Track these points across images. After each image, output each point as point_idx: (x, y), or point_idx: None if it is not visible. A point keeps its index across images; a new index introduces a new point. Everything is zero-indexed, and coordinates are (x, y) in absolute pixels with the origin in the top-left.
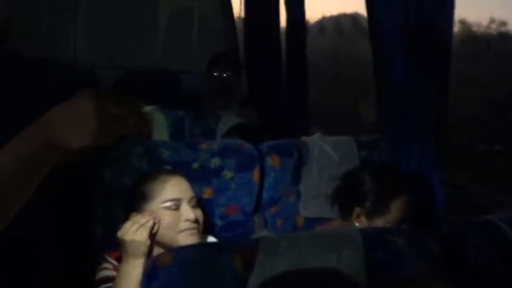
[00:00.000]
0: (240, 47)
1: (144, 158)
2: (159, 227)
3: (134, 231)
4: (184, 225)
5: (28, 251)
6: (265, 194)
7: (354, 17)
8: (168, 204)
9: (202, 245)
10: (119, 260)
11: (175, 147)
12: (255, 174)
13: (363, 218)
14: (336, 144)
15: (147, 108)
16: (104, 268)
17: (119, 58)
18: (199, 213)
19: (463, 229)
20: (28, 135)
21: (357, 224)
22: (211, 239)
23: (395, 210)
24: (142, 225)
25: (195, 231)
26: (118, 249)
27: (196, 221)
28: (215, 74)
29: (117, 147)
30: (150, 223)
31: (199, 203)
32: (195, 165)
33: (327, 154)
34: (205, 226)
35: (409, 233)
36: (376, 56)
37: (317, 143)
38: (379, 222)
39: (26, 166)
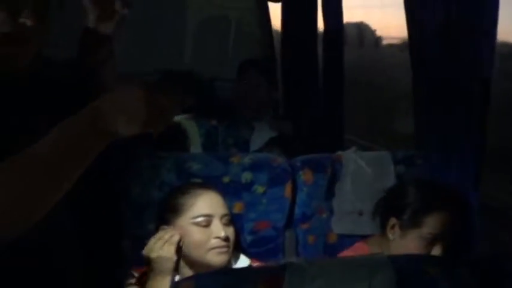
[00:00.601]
0: (278, 56)
1: (173, 171)
2: (183, 243)
3: (160, 247)
4: (214, 243)
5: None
6: (297, 210)
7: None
8: (198, 220)
9: (227, 272)
10: (144, 275)
11: (205, 161)
12: (287, 190)
13: (396, 229)
14: (371, 159)
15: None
16: (131, 284)
17: (149, 64)
18: (230, 231)
19: (501, 259)
20: (78, 119)
21: (390, 235)
22: (242, 257)
23: (428, 226)
24: (167, 241)
25: (225, 249)
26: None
27: (226, 239)
28: (244, 81)
29: (146, 159)
30: (176, 238)
31: (231, 220)
32: (226, 180)
33: (362, 169)
34: (236, 242)
35: (443, 263)
36: (414, 67)
37: (352, 158)
38: (412, 236)
39: (73, 148)
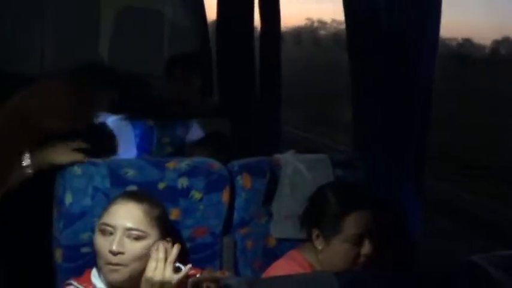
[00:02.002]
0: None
1: (107, 178)
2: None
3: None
4: (106, 255)
5: None
6: (235, 215)
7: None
8: (102, 227)
9: None
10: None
11: (140, 166)
12: (225, 195)
13: (321, 239)
14: (310, 162)
15: None
16: None
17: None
18: (135, 247)
19: (448, 275)
20: (3, 108)
21: (317, 244)
22: (177, 265)
23: (349, 227)
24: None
25: (116, 267)
26: (83, 276)
27: (117, 254)
28: (173, 77)
29: (78, 167)
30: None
31: (144, 237)
32: (161, 185)
33: (301, 173)
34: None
35: (390, 282)
36: (353, 68)
37: (290, 161)
38: (337, 242)
39: None
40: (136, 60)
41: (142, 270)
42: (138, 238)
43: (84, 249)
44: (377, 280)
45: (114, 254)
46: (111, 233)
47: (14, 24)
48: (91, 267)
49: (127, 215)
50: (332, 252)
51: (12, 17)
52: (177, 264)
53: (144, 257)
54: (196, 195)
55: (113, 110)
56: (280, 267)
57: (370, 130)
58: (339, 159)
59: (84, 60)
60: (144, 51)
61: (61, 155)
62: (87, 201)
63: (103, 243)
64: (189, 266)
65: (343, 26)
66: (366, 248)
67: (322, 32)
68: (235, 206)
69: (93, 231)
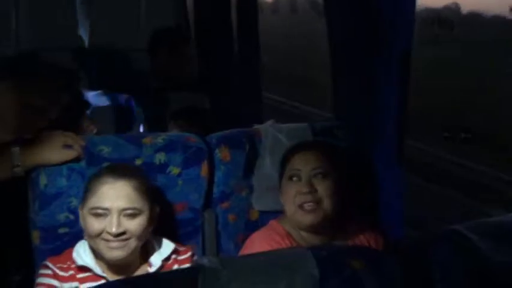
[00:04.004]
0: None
1: (83, 157)
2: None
3: None
4: (106, 236)
5: None
6: (215, 189)
7: None
8: (95, 211)
9: (138, 279)
10: (62, 268)
11: (116, 143)
12: (204, 169)
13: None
14: (290, 132)
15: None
16: (43, 275)
17: (61, 38)
18: (133, 224)
19: (427, 244)
20: None
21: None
22: (165, 241)
23: (291, 164)
24: None
25: (117, 244)
26: (62, 255)
27: (119, 235)
28: (162, 53)
29: None
30: None
31: (137, 213)
32: (138, 162)
33: (281, 143)
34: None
35: (367, 255)
36: (331, 35)
37: (270, 131)
38: (283, 183)
39: None
40: (114, 34)
41: (139, 246)
42: (133, 215)
43: (62, 230)
44: (352, 252)
45: (114, 235)
46: (105, 215)
47: None
48: (69, 248)
49: (119, 195)
50: (283, 198)
51: None
52: (165, 241)
53: (143, 232)
54: (174, 170)
55: (91, 85)
56: (259, 238)
57: (350, 98)
58: (320, 127)
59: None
60: (122, 24)
61: (55, 154)
62: (63, 182)
63: (98, 226)
64: None
65: None
66: (325, 186)
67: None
68: (215, 180)
69: (70, 211)
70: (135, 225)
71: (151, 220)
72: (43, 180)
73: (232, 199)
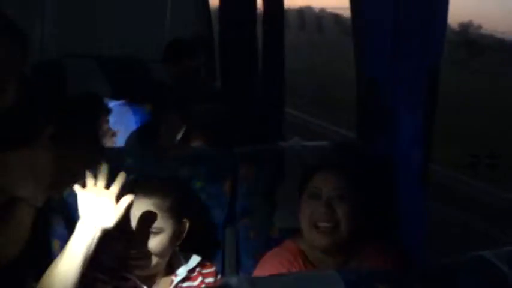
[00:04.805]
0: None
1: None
2: None
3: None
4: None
5: None
6: (237, 205)
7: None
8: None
9: None
10: None
11: (140, 155)
12: (227, 184)
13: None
14: (313, 150)
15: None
16: None
17: (87, 47)
18: (153, 243)
19: (454, 271)
20: None
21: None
22: (194, 257)
23: (311, 183)
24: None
25: (138, 262)
26: None
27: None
28: (176, 62)
29: None
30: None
31: (158, 232)
32: (163, 175)
33: (304, 161)
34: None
35: (394, 280)
36: (359, 55)
37: (294, 149)
38: (303, 199)
39: None
40: (138, 45)
41: (163, 262)
42: (154, 233)
43: None
44: (380, 277)
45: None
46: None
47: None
48: None
49: (140, 213)
50: (300, 216)
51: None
52: (194, 256)
53: (163, 250)
54: (198, 184)
55: (114, 96)
56: (271, 257)
57: (374, 118)
58: (343, 146)
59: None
60: (146, 35)
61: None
62: None
63: (121, 243)
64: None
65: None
66: (342, 210)
67: (325, 16)
68: (238, 196)
69: None
70: (155, 243)
71: (176, 236)
72: (66, 189)
73: (254, 215)
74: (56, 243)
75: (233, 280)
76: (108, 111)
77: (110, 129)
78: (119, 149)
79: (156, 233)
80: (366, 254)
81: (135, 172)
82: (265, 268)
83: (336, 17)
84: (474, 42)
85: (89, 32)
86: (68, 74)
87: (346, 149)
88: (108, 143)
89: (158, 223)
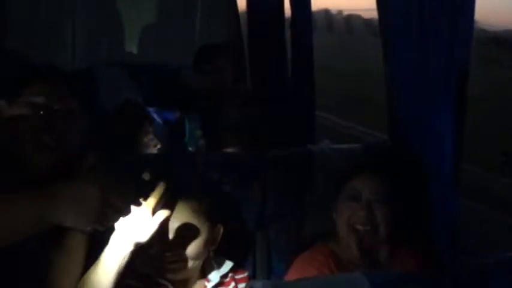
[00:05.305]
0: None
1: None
2: None
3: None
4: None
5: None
6: (268, 209)
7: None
8: None
9: None
10: None
11: (170, 160)
12: (257, 188)
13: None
14: (345, 153)
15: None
16: None
17: (118, 55)
18: (190, 249)
19: (486, 273)
20: (29, 201)
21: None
22: (228, 262)
23: (350, 186)
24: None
25: (173, 265)
26: None
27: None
28: (206, 67)
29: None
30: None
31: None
32: (193, 180)
33: (335, 164)
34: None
35: (423, 282)
36: (387, 55)
37: (324, 152)
38: (339, 201)
39: (18, 222)
40: (168, 51)
41: (198, 266)
42: (191, 237)
43: None
44: (409, 280)
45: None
46: None
47: (46, 18)
48: None
49: (177, 217)
50: (337, 217)
51: (44, 11)
52: (227, 262)
53: (198, 253)
54: (228, 188)
55: (145, 102)
56: (302, 260)
57: (406, 119)
58: (374, 149)
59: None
60: (176, 41)
61: None
62: None
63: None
64: None
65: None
66: (381, 214)
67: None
68: (268, 200)
69: None
70: (191, 247)
71: (210, 241)
72: None
73: (284, 219)
74: None
75: (258, 285)
76: (150, 121)
77: (152, 140)
78: (149, 155)
79: (192, 237)
80: (398, 256)
81: (166, 178)
82: (297, 271)
83: (351, 18)
84: (503, 38)
85: (119, 40)
86: (99, 83)
87: (377, 151)
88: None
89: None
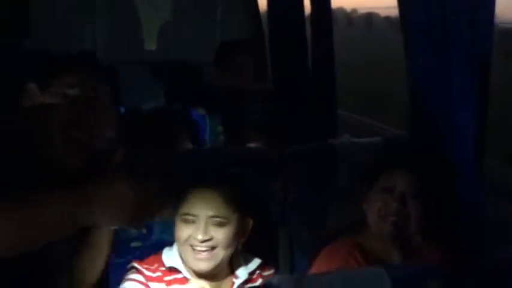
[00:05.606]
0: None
1: None
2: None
3: None
4: (193, 242)
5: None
6: (290, 204)
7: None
8: (184, 217)
9: None
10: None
11: (190, 157)
12: (279, 184)
13: (366, 207)
14: (365, 146)
15: None
16: (130, 271)
17: (138, 52)
18: (219, 232)
19: (506, 265)
20: (62, 204)
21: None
22: (252, 257)
23: (383, 179)
24: None
25: (203, 255)
26: (148, 259)
27: (205, 241)
28: (227, 64)
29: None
30: None
31: (224, 222)
32: (213, 175)
33: (356, 158)
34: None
35: (445, 276)
36: (408, 50)
37: (345, 146)
38: (372, 194)
39: (50, 224)
40: (189, 48)
41: (227, 257)
42: (221, 224)
43: (134, 244)
44: (429, 273)
45: (202, 241)
46: (193, 222)
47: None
48: None
49: (208, 203)
50: (368, 208)
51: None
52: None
53: (229, 242)
54: (250, 184)
55: (166, 100)
56: (328, 252)
57: (427, 113)
58: (394, 141)
59: None
60: (197, 38)
61: None
62: None
63: (186, 232)
64: None
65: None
66: (414, 208)
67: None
68: (290, 195)
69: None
70: (222, 233)
71: (240, 231)
72: None
73: (306, 214)
74: None
75: (281, 279)
76: (186, 125)
77: (188, 144)
78: (176, 155)
79: (223, 224)
80: (424, 251)
81: (188, 173)
82: (323, 263)
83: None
84: None
85: (139, 38)
86: (119, 81)
87: (396, 144)
88: None
89: (224, 213)
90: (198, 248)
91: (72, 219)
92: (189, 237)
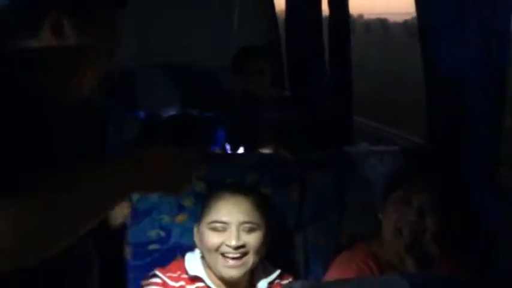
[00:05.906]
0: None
1: None
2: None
3: None
4: (225, 249)
5: None
6: (305, 212)
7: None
8: (213, 225)
9: None
10: (172, 277)
11: (207, 162)
12: (295, 190)
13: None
14: (382, 155)
15: None
16: (152, 283)
17: (153, 55)
18: (251, 238)
19: None
20: (119, 165)
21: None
22: (271, 266)
23: (400, 191)
24: None
25: (234, 262)
26: (171, 265)
27: (238, 247)
28: (244, 69)
29: None
30: None
31: (255, 228)
32: (229, 181)
33: (373, 166)
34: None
35: (462, 283)
36: (426, 57)
37: (362, 154)
38: (388, 204)
39: (109, 191)
40: (206, 54)
41: (256, 264)
42: (252, 229)
43: (152, 247)
44: (446, 283)
45: (235, 248)
46: (223, 229)
47: None
48: (160, 265)
49: (238, 209)
50: (384, 218)
51: None
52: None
53: (261, 247)
54: (265, 190)
55: (184, 104)
56: (342, 259)
57: (445, 121)
58: (412, 149)
59: None
60: (214, 44)
61: None
62: (154, 198)
63: (216, 240)
64: None
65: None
66: (430, 221)
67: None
68: (306, 202)
69: (161, 228)
70: (253, 239)
71: (269, 237)
72: (135, 195)
73: (322, 221)
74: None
75: (296, 285)
76: (204, 131)
77: (205, 150)
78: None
79: (254, 229)
80: (439, 261)
81: (203, 179)
82: (337, 270)
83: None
84: None
85: (158, 42)
86: (139, 84)
87: (414, 154)
88: None
89: (254, 218)
90: (231, 255)
91: (129, 185)
92: (221, 244)
